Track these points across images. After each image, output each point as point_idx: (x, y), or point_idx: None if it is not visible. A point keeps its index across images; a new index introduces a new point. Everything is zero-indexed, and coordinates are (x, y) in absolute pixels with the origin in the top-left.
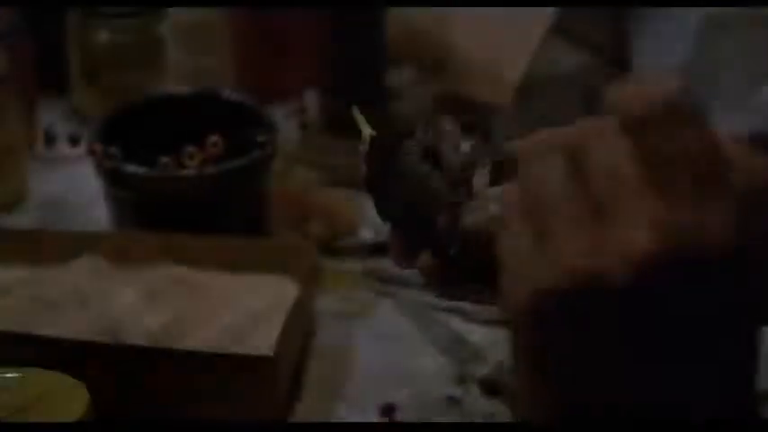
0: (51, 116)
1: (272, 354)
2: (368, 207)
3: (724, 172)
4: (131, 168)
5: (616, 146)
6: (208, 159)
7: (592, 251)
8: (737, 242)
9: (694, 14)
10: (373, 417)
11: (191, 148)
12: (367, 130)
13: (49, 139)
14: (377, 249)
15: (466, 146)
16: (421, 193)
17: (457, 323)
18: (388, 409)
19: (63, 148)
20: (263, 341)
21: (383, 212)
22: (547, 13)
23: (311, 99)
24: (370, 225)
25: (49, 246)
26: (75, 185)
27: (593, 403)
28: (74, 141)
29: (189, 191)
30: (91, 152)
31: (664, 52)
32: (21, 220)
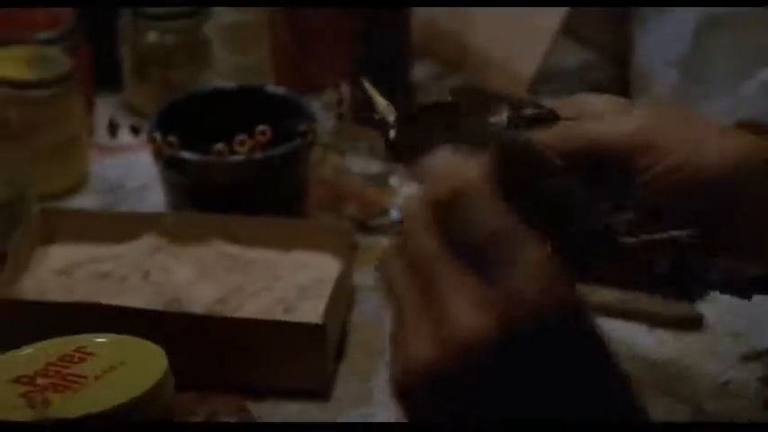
0: (106, 110)
1: (321, 322)
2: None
3: (521, 246)
4: (187, 155)
5: (427, 232)
6: (256, 146)
7: (426, 342)
8: (550, 302)
9: (691, 14)
10: None
11: (241, 137)
12: (381, 100)
13: (113, 129)
14: None
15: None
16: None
17: None
18: None
19: (124, 137)
20: (310, 312)
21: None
22: (558, 13)
23: (346, 92)
24: (399, 206)
25: (112, 226)
26: (131, 171)
27: None
28: (135, 131)
29: (238, 175)
30: (151, 140)
31: (663, 49)
32: (83, 202)
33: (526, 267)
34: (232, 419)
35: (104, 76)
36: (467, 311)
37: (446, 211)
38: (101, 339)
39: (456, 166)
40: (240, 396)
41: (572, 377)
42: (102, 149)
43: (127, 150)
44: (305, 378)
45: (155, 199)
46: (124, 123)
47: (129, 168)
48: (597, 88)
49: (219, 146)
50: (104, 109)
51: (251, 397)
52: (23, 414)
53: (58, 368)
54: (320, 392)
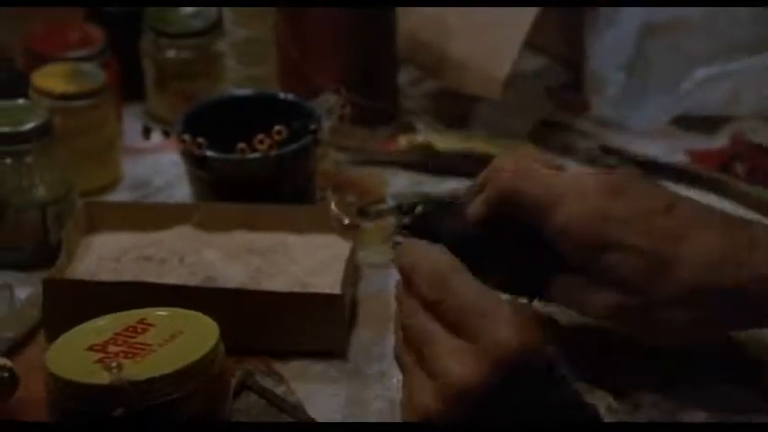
0: (132, 118)
1: (340, 292)
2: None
3: (495, 306)
4: (213, 153)
5: (410, 304)
6: (274, 145)
7: (426, 394)
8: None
9: (635, 23)
10: None
11: (260, 136)
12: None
13: (147, 133)
14: (401, 211)
15: None
16: None
17: None
18: None
19: (156, 139)
20: (327, 285)
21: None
22: (527, 21)
23: (345, 95)
24: (391, 194)
25: (148, 217)
26: (158, 170)
27: None
28: (166, 134)
29: (257, 170)
30: (181, 141)
31: (612, 54)
32: (118, 198)
33: (501, 323)
34: (264, 379)
35: (129, 89)
36: (457, 365)
37: (435, 293)
38: (160, 313)
39: (429, 254)
40: (270, 358)
41: (545, 407)
42: (132, 152)
43: (153, 152)
44: (326, 342)
45: (180, 194)
46: (153, 128)
47: (156, 168)
48: (552, 91)
49: (242, 145)
50: (130, 117)
51: (279, 359)
52: (101, 377)
53: (125, 338)
54: (339, 354)
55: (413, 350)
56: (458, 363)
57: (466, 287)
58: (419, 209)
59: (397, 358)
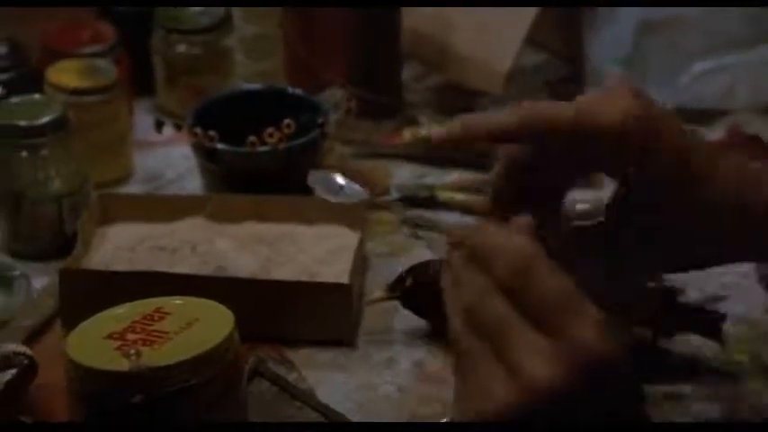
0: (143, 112)
1: (348, 282)
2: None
3: (581, 306)
4: (224, 146)
5: (495, 298)
6: (282, 138)
7: (502, 390)
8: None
9: (632, 19)
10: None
11: (270, 129)
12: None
13: (159, 126)
14: (410, 202)
15: None
16: None
17: None
18: None
19: (167, 132)
20: (336, 274)
21: None
22: (528, 16)
23: (351, 90)
24: (396, 186)
25: (161, 208)
26: (169, 163)
27: None
28: (178, 127)
29: (267, 162)
30: (192, 134)
31: (610, 49)
32: (130, 190)
33: (587, 323)
34: (277, 366)
35: (140, 84)
36: (540, 363)
37: (517, 280)
38: (176, 301)
39: (513, 236)
40: (281, 346)
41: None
42: (143, 145)
43: (164, 145)
44: (334, 330)
45: (191, 186)
46: (165, 122)
47: (167, 161)
48: (551, 84)
49: (252, 138)
50: (141, 111)
51: (290, 346)
52: (121, 364)
53: (143, 325)
54: (347, 342)
55: (482, 335)
56: (543, 361)
57: (552, 279)
58: (409, 281)
59: (457, 342)
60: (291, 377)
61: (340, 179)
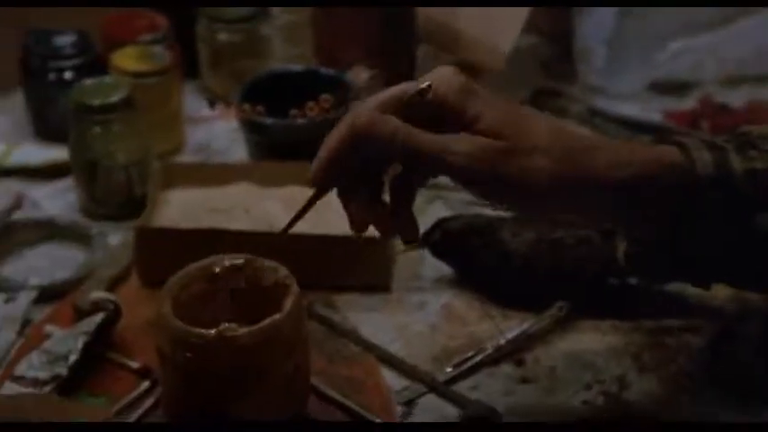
0: (190, 93)
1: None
2: None
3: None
4: (270, 120)
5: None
6: (321, 111)
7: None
8: None
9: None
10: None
11: (310, 103)
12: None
13: (212, 103)
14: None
15: None
16: None
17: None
18: None
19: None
20: (372, 230)
21: None
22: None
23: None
24: None
25: (214, 175)
26: (214, 136)
27: None
28: (227, 104)
29: (308, 133)
30: (241, 110)
31: (596, 31)
32: (182, 160)
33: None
34: (324, 309)
35: (187, 67)
36: None
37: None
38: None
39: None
40: (327, 292)
41: None
42: (191, 121)
43: (209, 121)
44: (372, 277)
45: (234, 155)
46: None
47: (212, 134)
48: (545, 63)
49: (294, 111)
50: (188, 92)
51: (335, 292)
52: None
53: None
54: (384, 287)
55: None
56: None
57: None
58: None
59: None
60: (337, 318)
61: None
